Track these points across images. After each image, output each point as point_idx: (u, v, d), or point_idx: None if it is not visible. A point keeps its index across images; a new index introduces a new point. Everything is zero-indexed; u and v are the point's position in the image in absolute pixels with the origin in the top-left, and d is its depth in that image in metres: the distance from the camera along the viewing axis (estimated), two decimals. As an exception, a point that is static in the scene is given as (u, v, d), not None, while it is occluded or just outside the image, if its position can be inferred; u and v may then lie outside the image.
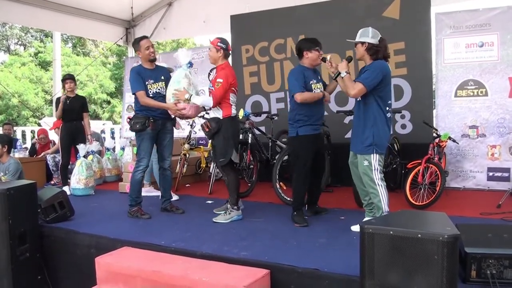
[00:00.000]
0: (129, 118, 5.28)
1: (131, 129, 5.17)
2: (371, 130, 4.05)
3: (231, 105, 4.85)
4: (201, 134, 8.35)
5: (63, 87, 7.00)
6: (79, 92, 17.86)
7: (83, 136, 6.98)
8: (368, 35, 4.09)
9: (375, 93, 4.03)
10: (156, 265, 3.51)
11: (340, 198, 5.57)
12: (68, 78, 7.01)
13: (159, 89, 5.12)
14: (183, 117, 5.14)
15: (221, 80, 4.69)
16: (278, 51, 7.77)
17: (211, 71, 5.02)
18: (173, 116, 5.16)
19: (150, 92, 5.06)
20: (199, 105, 4.87)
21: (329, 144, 6.65)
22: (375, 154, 4.03)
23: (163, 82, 5.16)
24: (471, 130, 6.44)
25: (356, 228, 4.09)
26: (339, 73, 4.19)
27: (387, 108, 4.12)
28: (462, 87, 6.47)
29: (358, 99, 4.16)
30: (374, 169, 4.03)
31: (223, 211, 4.93)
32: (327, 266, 3.28)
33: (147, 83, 5.05)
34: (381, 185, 4.03)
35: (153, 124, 5.06)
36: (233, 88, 4.86)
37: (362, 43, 4.12)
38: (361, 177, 4.24)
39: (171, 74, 5.35)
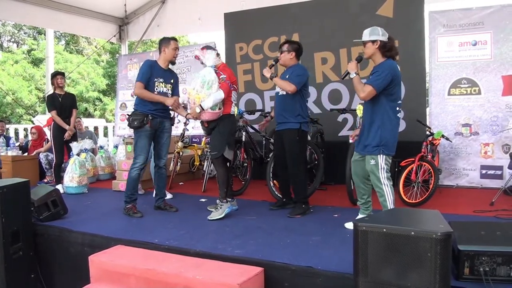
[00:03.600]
0: (127, 115, 5.24)
1: (129, 125, 5.11)
2: (378, 131, 4.03)
3: (232, 103, 4.99)
4: (195, 132, 8.41)
5: (53, 83, 6.93)
6: (71, 90, 17.77)
7: (76, 134, 6.98)
8: (379, 33, 4.04)
9: (385, 93, 3.99)
10: (150, 263, 3.50)
11: (333, 196, 5.57)
12: (59, 74, 6.97)
13: (166, 90, 5.14)
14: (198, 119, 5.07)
15: (224, 76, 4.88)
16: (272, 49, 7.76)
17: None
18: (178, 115, 5.19)
19: (156, 90, 5.05)
20: (212, 104, 4.74)
21: (322, 142, 6.67)
22: (382, 155, 4.02)
23: (171, 86, 5.18)
24: (464, 128, 6.48)
25: (350, 225, 4.11)
26: (348, 72, 4.19)
27: (397, 108, 4.08)
28: (456, 86, 6.50)
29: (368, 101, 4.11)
30: (381, 168, 4.02)
31: (214, 208, 4.94)
32: (321, 264, 3.28)
33: (155, 80, 5.04)
34: (387, 185, 4.04)
35: (151, 122, 5.03)
36: (234, 86, 5.03)
37: (373, 41, 4.05)
38: (362, 176, 4.28)
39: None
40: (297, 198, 5.04)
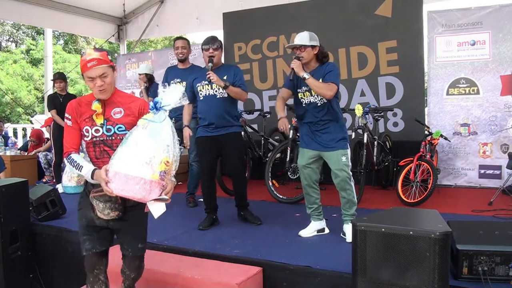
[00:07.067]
0: None
1: None
2: (343, 126, 4.04)
3: None
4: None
5: (54, 86, 7.03)
6: (70, 89, 17.70)
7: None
8: (317, 39, 3.98)
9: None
10: (149, 263, 3.49)
11: (332, 195, 5.54)
12: (58, 78, 6.98)
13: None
14: None
15: None
16: (271, 49, 7.77)
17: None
18: None
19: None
20: None
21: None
22: (348, 149, 3.99)
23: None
24: (463, 128, 6.48)
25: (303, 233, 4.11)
26: (294, 72, 3.94)
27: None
28: (454, 85, 6.50)
29: (323, 101, 3.94)
30: (348, 165, 3.97)
31: None
32: (319, 263, 3.29)
33: (172, 82, 5.28)
34: (353, 181, 4.03)
35: None
36: None
37: (313, 46, 3.96)
38: (314, 179, 4.10)
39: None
40: (245, 203, 4.70)
